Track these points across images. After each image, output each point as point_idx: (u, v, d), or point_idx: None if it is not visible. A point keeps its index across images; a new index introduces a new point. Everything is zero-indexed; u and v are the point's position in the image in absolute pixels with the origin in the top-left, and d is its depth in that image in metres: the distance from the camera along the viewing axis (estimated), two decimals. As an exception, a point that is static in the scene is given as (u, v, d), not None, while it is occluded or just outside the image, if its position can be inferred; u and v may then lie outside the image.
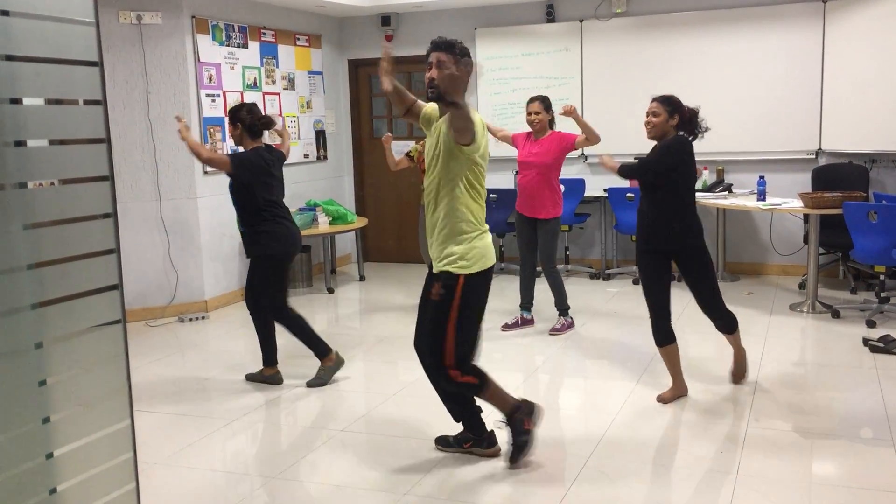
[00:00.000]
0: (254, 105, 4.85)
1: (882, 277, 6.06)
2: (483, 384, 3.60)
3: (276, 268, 4.82)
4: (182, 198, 6.72)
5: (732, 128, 7.50)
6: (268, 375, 4.97)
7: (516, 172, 6.16)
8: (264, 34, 7.60)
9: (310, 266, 7.92)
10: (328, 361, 4.91)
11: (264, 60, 7.60)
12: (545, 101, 5.80)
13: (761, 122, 7.49)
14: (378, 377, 5.04)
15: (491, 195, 7.61)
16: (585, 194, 7.65)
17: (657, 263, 4.34)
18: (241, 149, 4.83)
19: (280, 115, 7.81)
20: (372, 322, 6.54)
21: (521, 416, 3.68)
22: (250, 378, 5.03)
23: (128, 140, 6.51)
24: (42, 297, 1.64)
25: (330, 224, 7.64)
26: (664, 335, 4.39)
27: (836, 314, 6.11)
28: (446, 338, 3.49)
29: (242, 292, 5.08)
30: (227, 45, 7.11)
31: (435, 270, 3.55)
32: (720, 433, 4.01)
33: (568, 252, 8.11)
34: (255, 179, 4.70)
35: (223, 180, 5.09)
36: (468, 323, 3.54)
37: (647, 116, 4.26)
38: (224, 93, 7.01)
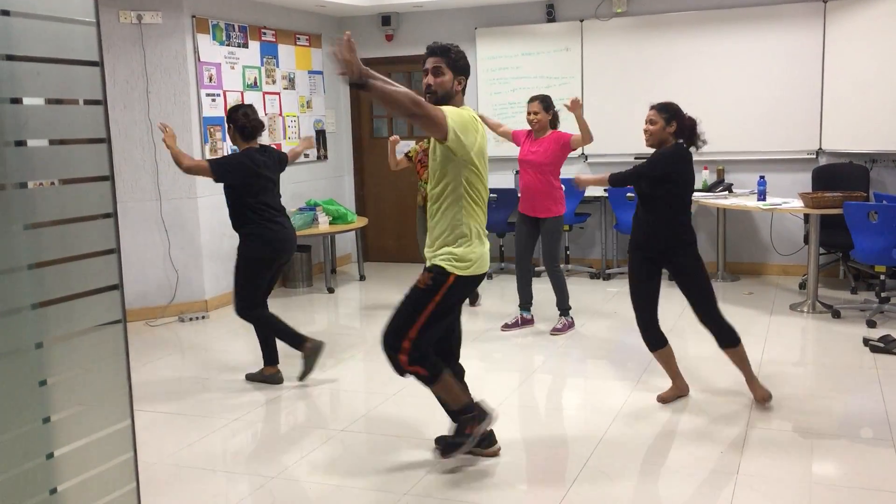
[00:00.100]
0: (250, 107, 4.84)
1: (882, 277, 6.06)
2: (433, 377, 3.55)
3: (255, 269, 4.81)
4: (182, 198, 6.71)
5: (733, 128, 7.50)
6: (268, 375, 4.97)
7: (517, 172, 6.16)
8: (264, 34, 7.60)
9: (310, 266, 7.92)
10: (307, 350, 4.90)
11: (264, 60, 7.60)
12: (545, 101, 5.80)
13: (762, 122, 7.49)
14: (378, 377, 5.04)
15: (491, 195, 7.62)
16: (585, 194, 7.65)
17: (645, 267, 4.33)
18: (238, 149, 4.85)
19: (280, 114, 7.82)
20: (372, 322, 6.54)
21: (469, 419, 3.63)
22: (250, 378, 5.03)
23: (128, 140, 6.51)
24: (42, 297, 1.64)
25: (330, 224, 7.64)
26: (654, 340, 4.38)
27: (836, 314, 6.11)
28: (413, 326, 3.47)
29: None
30: (228, 45, 7.11)
31: (427, 263, 3.55)
32: (720, 433, 4.01)
33: (568, 252, 8.11)
34: (239, 182, 4.70)
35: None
36: (438, 320, 3.52)
37: (646, 125, 4.27)
38: (224, 92, 7.01)
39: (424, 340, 3.51)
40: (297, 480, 3.65)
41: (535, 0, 8.06)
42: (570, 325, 5.98)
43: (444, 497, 3.45)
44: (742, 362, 4.35)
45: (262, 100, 7.55)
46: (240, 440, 4.18)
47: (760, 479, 3.51)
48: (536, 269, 7.85)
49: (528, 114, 5.80)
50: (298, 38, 8.12)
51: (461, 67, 3.48)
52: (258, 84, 7.50)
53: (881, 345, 5.21)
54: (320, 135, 8.48)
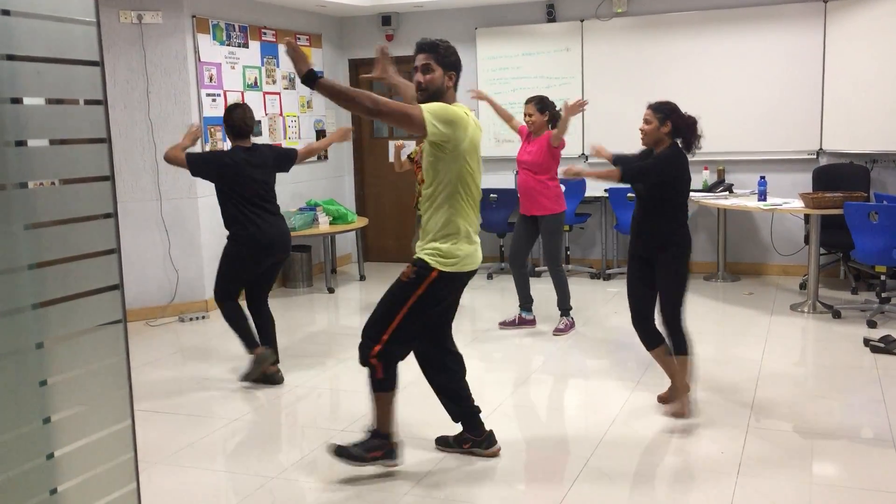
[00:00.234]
0: (239, 106, 4.81)
1: (883, 278, 6.06)
2: (384, 385, 3.54)
3: (234, 266, 4.84)
4: (182, 198, 6.71)
5: (733, 128, 7.50)
6: (268, 375, 4.96)
7: (517, 172, 6.15)
8: (265, 34, 7.60)
9: (310, 266, 7.92)
10: (256, 355, 4.92)
11: (265, 60, 7.60)
12: (540, 103, 5.80)
13: (762, 122, 7.49)
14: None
15: (491, 195, 7.62)
16: (586, 194, 7.66)
17: (638, 268, 4.32)
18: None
19: (280, 114, 7.81)
20: (372, 322, 6.53)
21: (380, 445, 3.61)
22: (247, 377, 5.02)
23: (128, 140, 6.51)
24: (43, 297, 1.64)
25: (330, 224, 7.64)
26: (648, 338, 4.36)
27: (836, 314, 6.11)
28: (394, 319, 3.46)
29: (246, 292, 5.08)
30: (228, 45, 7.11)
31: (413, 256, 3.55)
32: (720, 433, 4.01)
33: (568, 252, 8.11)
34: (215, 178, 4.75)
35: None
36: (418, 315, 3.49)
37: (642, 124, 4.27)
38: (225, 92, 7.01)
39: (403, 335, 3.49)
40: (297, 480, 3.65)
41: (536, 0, 8.06)
42: (572, 326, 5.98)
43: (444, 497, 3.45)
44: (682, 371, 4.29)
45: (263, 100, 7.55)
46: (240, 440, 4.18)
47: (760, 479, 3.51)
48: (537, 269, 7.87)
49: (524, 115, 5.81)
50: (299, 38, 8.11)
51: (451, 63, 3.45)
52: (258, 84, 7.50)
53: (882, 345, 5.21)
54: (320, 135, 8.47)
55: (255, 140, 5.13)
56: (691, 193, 7.28)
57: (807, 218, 6.90)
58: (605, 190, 7.56)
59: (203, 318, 6.66)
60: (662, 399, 4.44)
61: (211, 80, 6.89)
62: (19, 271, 1.60)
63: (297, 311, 6.96)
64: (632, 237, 4.36)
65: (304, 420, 4.42)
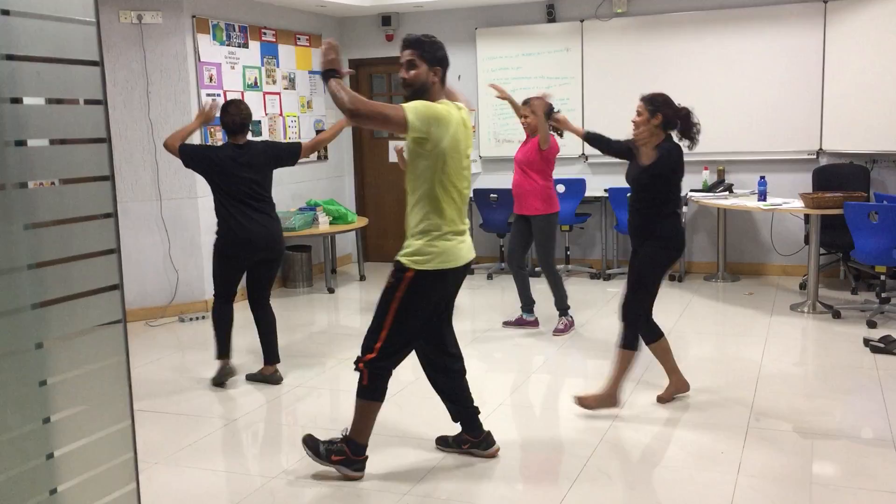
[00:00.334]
0: (233, 103, 4.80)
1: (883, 278, 6.06)
2: (367, 394, 3.53)
3: (219, 263, 4.86)
4: (182, 198, 6.71)
5: (733, 128, 7.51)
6: (267, 375, 4.97)
7: (517, 172, 6.15)
8: (265, 34, 7.60)
9: (310, 266, 7.92)
10: (222, 364, 4.94)
11: (265, 60, 7.60)
12: (527, 103, 5.81)
13: (762, 123, 7.49)
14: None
15: (491, 195, 7.62)
16: (586, 194, 7.65)
17: (632, 259, 4.37)
18: None
19: (280, 114, 7.82)
20: (372, 322, 6.53)
21: (346, 451, 3.60)
22: (250, 378, 5.03)
23: (128, 140, 6.51)
24: (42, 297, 1.64)
25: (330, 224, 7.64)
26: (645, 333, 4.36)
27: (836, 314, 6.11)
28: (384, 327, 3.45)
29: (244, 292, 5.08)
30: (228, 45, 7.11)
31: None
32: (720, 433, 4.01)
33: (568, 252, 8.11)
34: (202, 173, 4.78)
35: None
36: (405, 319, 3.45)
37: (634, 116, 4.27)
38: (224, 92, 7.01)
39: (396, 341, 3.46)
40: (297, 480, 3.65)
41: (536, 0, 8.06)
42: (571, 325, 5.97)
43: (444, 497, 3.45)
44: (621, 368, 4.28)
45: (263, 100, 7.55)
46: (240, 440, 4.18)
47: (760, 479, 3.51)
48: (537, 269, 7.86)
49: (521, 117, 5.83)
50: (299, 39, 8.12)
51: (436, 58, 3.43)
52: (258, 84, 7.50)
53: (881, 345, 5.21)
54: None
55: (257, 139, 5.11)
56: (692, 193, 7.32)
57: (807, 218, 6.90)
58: (605, 190, 7.56)
59: (203, 318, 6.65)
60: (662, 399, 4.44)
61: (211, 80, 6.89)
62: (19, 271, 1.60)
63: (297, 311, 6.96)
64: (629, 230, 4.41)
65: (304, 420, 4.42)
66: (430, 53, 3.42)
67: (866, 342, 5.32)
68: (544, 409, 4.52)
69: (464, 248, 3.50)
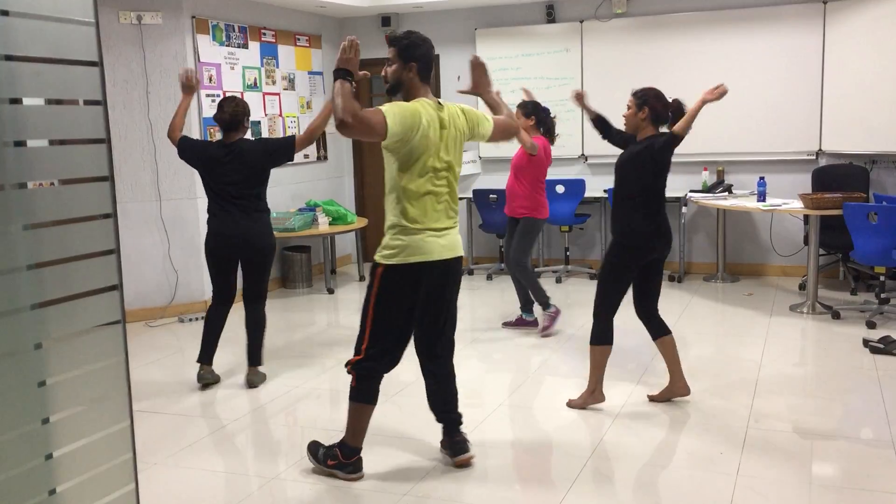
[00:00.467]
0: (226, 100, 4.79)
1: (882, 278, 6.06)
2: (357, 396, 3.55)
3: (207, 259, 4.93)
4: (182, 198, 6.72)
5: (733, 129, 7.51)
6: (246, 376, 4.98)
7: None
8: (264, 34, 7.60)
9: (310, 266, 7.92)
10: (203, 369, 4.95)
11: (264, 61, 7.60)
12: (524, 108, 5.81)
13: (762, 123, 7.49)
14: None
15: (490, 195, 7.62)
16: (585, 195, 7.65)
17: None
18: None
19: (280, 115, 7.82)
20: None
21: (339, 458, 3.61)
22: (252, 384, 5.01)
23: (128, 140, 6.51)
24: (42, 297, 1.64)
25: (330, 224, 7.64)
26: (650, 329, 4.37)
27: (836, 315, 6.11)
28: (366, 326, 3.47)
29: (241, 292, 5.08)
30: (228, 46, 7.11)
31: None
32: (720, 434, 4.01)
33: (568, 252, 8.11)
34: (194, 166, 4.85)
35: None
36: (384, 319, 3.44)
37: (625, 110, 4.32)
38: (224, 93, 7.00)
39: (379, 341, 3.46)
40: (297, 481, 3.65)
41: (535, 1, 8.06)
42: (555, 316, 5.87)
43: (444, 498, 3.45)
44: (597, 366, 4.32)
45: (262, 100, 7.55)
46: (239, 441, 4.17)
47: (760, 479, 3.51)
48: (537, 269, 7.87)
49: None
50: (298, 39, 8.12)
51: (409, 55, 3.43)
52: (258, 85, 7.50)
53: (881, 346, 5.21)
54: (320, 135, 8.47)
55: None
56: (691, 194, 7.32)
57: (806, 219, 6.90)
58: (605, 191, 7.56)
59: (202, 318, 6.64)
60: (653, 398, 4.45)
61: (210, 80, 6.89)
62: (18, 272, 1.60)
63: (296, 311, 6.96)
64: None
65: (303, 420, 4.42)
66: (405, 50, 3.45)
67: (865, 343, 5.32)
68: (543, 409, 4.51)
69: (437, 244, 3.45)
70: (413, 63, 3.44)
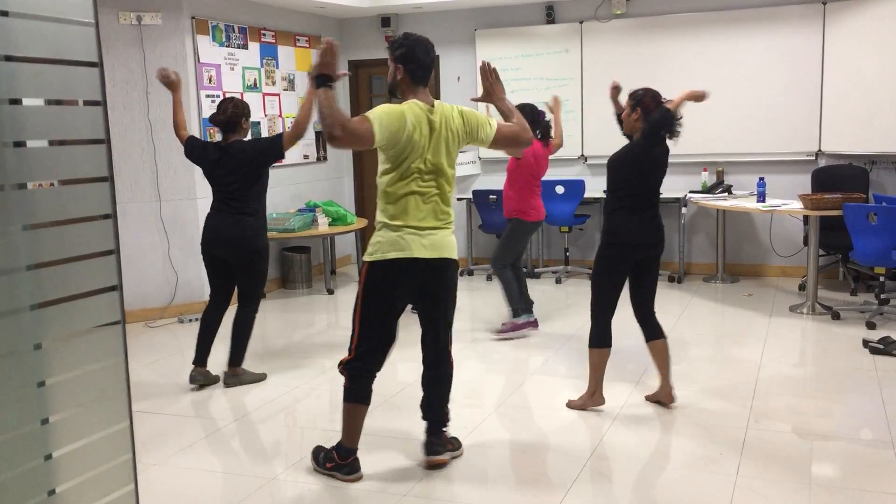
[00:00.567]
0: (237, 103, 4.79)
1: (882, 279, 6.07)
2: (350, 396, 3.56)
3: (202, 258, 4.99)
4: (182, 198, 6.71)
5: (732, 129, 7.51)
6: (244, 376, 4.99)
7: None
8: (264, 35, 7.60)
9: (309, 267, 7.92)
10: (195, 369, 4.95)
11: (264, 61, 7.60)
12: (521, 110, 5.80)
13: (761, 124, 7.49)
14: (377, 378, 5.03)
15: (490, 196, 7.62)
16: (585, 195, 7.65)
17: None
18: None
19: (280, 115, 7.82)
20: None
21: (336, 459, 3.62)
22: (229, 384, 5.00)
23: (127, 141, 6.51)
24: (41, 297, 1.64)
25: (329, 225, 7.64)
26: (644, 330, 4.37)
27: (835, 316, 6.11)
28: (354, 330, 3.51)
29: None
30: (228, 46, 7.11)
31: None
32: (719, 435, 4.01)
33: (567, 253, 8.10)
34: (196, 164, 4.93)
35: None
36: (368, 317, 3.47)
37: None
38: (224, 94, 7.01)
39: (367, 340, 3.49)
40: (297, 481, 3.65)
41: (535, 2, 8.07)
42: (524, 326, 5.83)
43: (444, 498, 3.45)
44: (595, 368, 4.31)
45: (262, 101, 7.55)
46: (239, 441, 4.17)
47: (759, 480, 3.51)
48: (536, 269, 7.86)
49: None
50: (298, 40, 8.12)
51: (399, 56, 3.45)
52: (258, 85, 7.50)
53: (880, 346, 5.21)
54: (320, 136, 8.47)
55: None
56: (691, 194, 7.32)
57: (806, 219, 6.90)
58: (605, 191, 7.54)
59: (202, 319, 6.65)
60: (650, 398, 4.45)
61: (210, 81, 6.89)
62: (18, 272, 1.60)
63: (296, 312, 6.96)
64: None
65: (303, 421, 4.42)
66: (394, 52, 3.47)
67: (865, 343, 5.33)
68: (543, 410, 4.51)
69: (416, 241, 3.41)
70: (403, 66, 3.46)
